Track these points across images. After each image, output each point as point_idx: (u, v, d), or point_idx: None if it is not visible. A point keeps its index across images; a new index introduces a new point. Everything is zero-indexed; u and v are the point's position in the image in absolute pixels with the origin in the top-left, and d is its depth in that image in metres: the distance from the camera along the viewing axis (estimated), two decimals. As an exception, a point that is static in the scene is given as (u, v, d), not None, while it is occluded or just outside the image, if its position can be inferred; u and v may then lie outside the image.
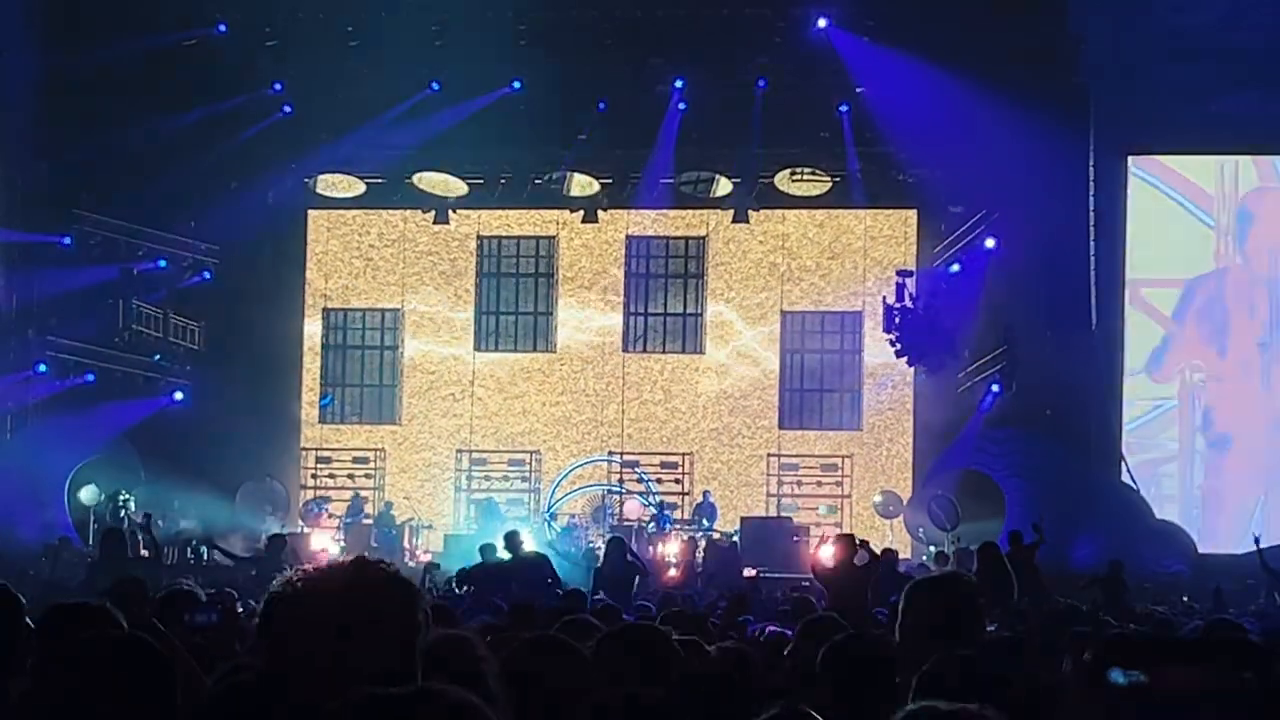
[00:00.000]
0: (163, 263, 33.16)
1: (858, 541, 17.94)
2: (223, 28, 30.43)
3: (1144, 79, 28.50)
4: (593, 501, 34.19)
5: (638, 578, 20.80)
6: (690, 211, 34.68)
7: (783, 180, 33.64)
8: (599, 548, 26.21)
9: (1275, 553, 23.44)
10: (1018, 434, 28.71)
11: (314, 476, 35.86)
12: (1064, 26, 28.79)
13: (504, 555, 21.19)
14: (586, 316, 35.47)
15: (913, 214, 33.61)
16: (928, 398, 33.29)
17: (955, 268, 31.70)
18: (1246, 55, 28.17)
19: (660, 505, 32.85)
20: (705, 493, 33.15)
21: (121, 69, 29.27)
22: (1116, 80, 28.56)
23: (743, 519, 30.99)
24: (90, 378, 31.52)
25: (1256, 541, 22.93)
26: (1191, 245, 31.63)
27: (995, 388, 30.62)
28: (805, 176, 33.63)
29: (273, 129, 32.22)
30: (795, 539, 29.38)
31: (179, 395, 33.13)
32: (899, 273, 32.63)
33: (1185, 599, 22.14)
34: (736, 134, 31.81)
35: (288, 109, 32.16)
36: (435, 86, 31.52)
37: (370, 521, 32.93)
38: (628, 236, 35.10)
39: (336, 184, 34.76)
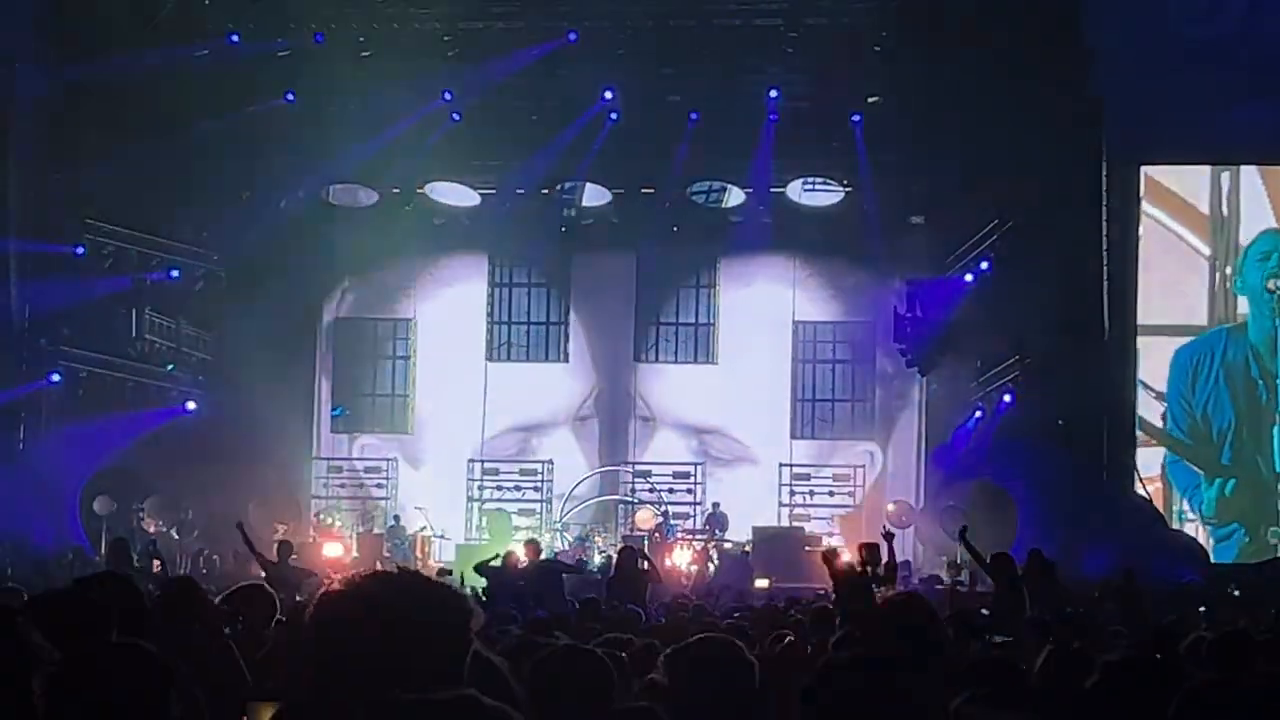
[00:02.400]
0: (175, 273, 33.23)
1: (877, 551, 18.00)
2: (235, 38, 30.49)
3: (1158, 90, 28.49)
4: (603, 510, 34.21)
5: (650, 586, 20.87)
6: (703, 221, 34.67)
7: (795, 190, 33.69)
8: (611, 556, 26.33)
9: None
10: (1030, 444, 28.66)
11: (325, 486, 35.91)
12: (1078, 38, 28.78)
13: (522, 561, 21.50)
14: (598, 325, 35.49)
15: (925, 224, 33.59)
16: (940, 408, 33.32)
17: (968, 277, 31.70)
18: (1261, 65, 28.17)
19: (665, 514, 32.93)
20: (715, 503, 33.16)
21: (134, 79, 29.33)
22: (1130, 91, 28.55)
23: (754, 529, 31.01)
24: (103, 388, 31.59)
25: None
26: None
27: (1007, 398, 30.61)
28: (817, 186, 33.67)
29: (285, 139, 32.28)
30: (807, 549, 29.39)
31: (191, 405, 33.18)
32: (909, 282, 32.67)
33: (1201, 609, 22.09)
34: (748, 144, 31.87)
35: (300, 119, 32.22)
36: (448, 96, 31.57)
37: (382, 532, 32.98)
38: (639, 245, 35.08)
39: (349, 194, 34.83)
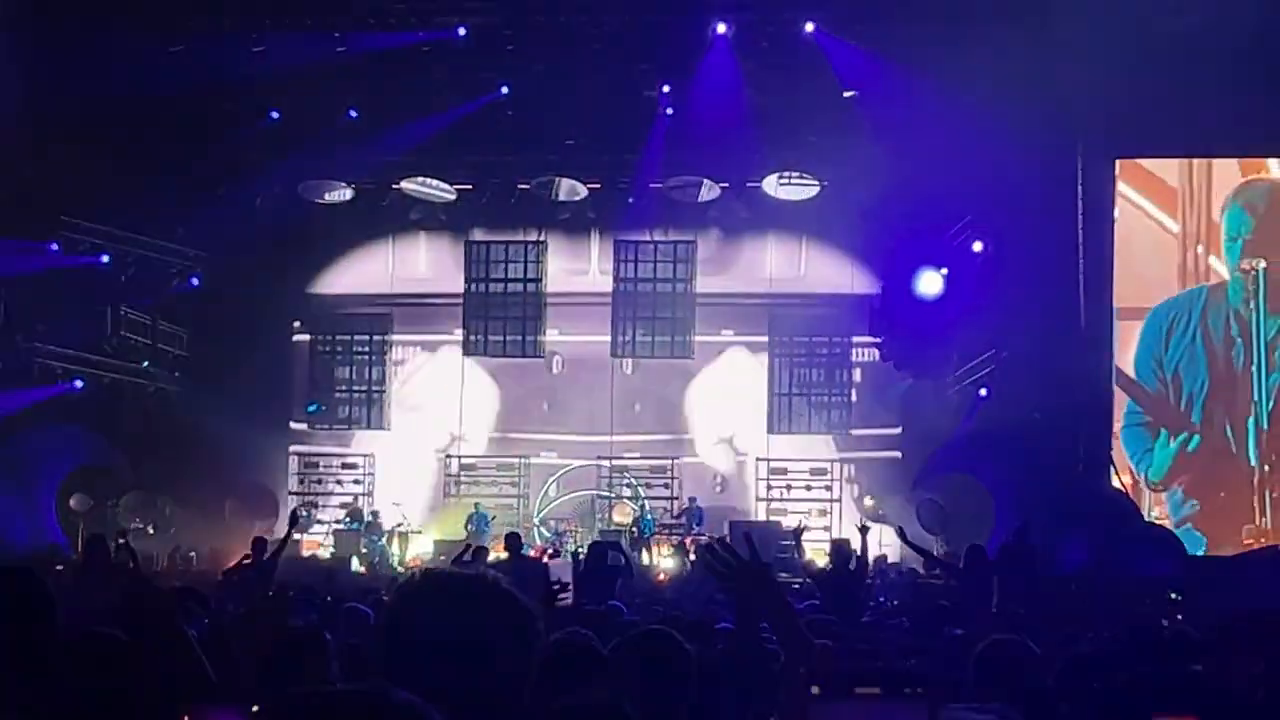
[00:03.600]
0: (151, 269, 33.21)
1: (850, 544, 18.05)
2: (207, 36, 30.39)
3: (1130, 83, 28.50)
4: (582, 507, 34.26)
5: (620, 579, 20.96)
6: (678, 216, 34.72)
7: (770, 184, 33.74)
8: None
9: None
10: (1006, 437, 28.73)
11: (302, 482, 35.94)
12: (1051, 31, 28.82)
13: (501, 556, 21.50)
14: (575, 321, 35.53)
15: (901, 217, 33.62)
16: (916, 401, 33.40)
17: (943, 271, 31.79)
18: (1232, 57, 28.20)
19: (642, 508, 33.00)
20: (691, 498, 33.24)
21: (108, 74, 29.25)
22: (1103, 84, 28.58)
23: (731, 523, 31.00)
24: (78, 384, 31.53)
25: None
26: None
27: (984, 391, 30.72)
28: (793, 181, 33.73)
29: (260, 134, 32.25)
30: (784, 543, 29.42)
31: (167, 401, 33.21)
32: (886, 276, 32.78)
33: (1173, 596, 22.18)
34: (724, 138, 31.89)
35: (275, 114, 32.19)
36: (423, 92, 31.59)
37: (359, 527, 33.02)
38: (616, 241, 35.15)
39: (324, 189, 34.80)
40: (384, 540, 32.15)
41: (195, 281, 34.15)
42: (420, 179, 34.47)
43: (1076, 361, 29.46)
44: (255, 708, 4.68)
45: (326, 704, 2.79)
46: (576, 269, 35.76)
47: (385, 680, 3.12)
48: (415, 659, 3.34)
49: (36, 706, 4.93)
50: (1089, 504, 28.09)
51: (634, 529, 31.62)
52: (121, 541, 18.96)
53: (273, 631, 6.21)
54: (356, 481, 35.74)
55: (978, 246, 31.22)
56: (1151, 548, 26.54)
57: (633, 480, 34.42)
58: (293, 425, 36.33)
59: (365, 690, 2.83)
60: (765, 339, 35.32)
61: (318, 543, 32.99)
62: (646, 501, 33.60)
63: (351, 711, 2.98)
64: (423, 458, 35.77)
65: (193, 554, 29.45)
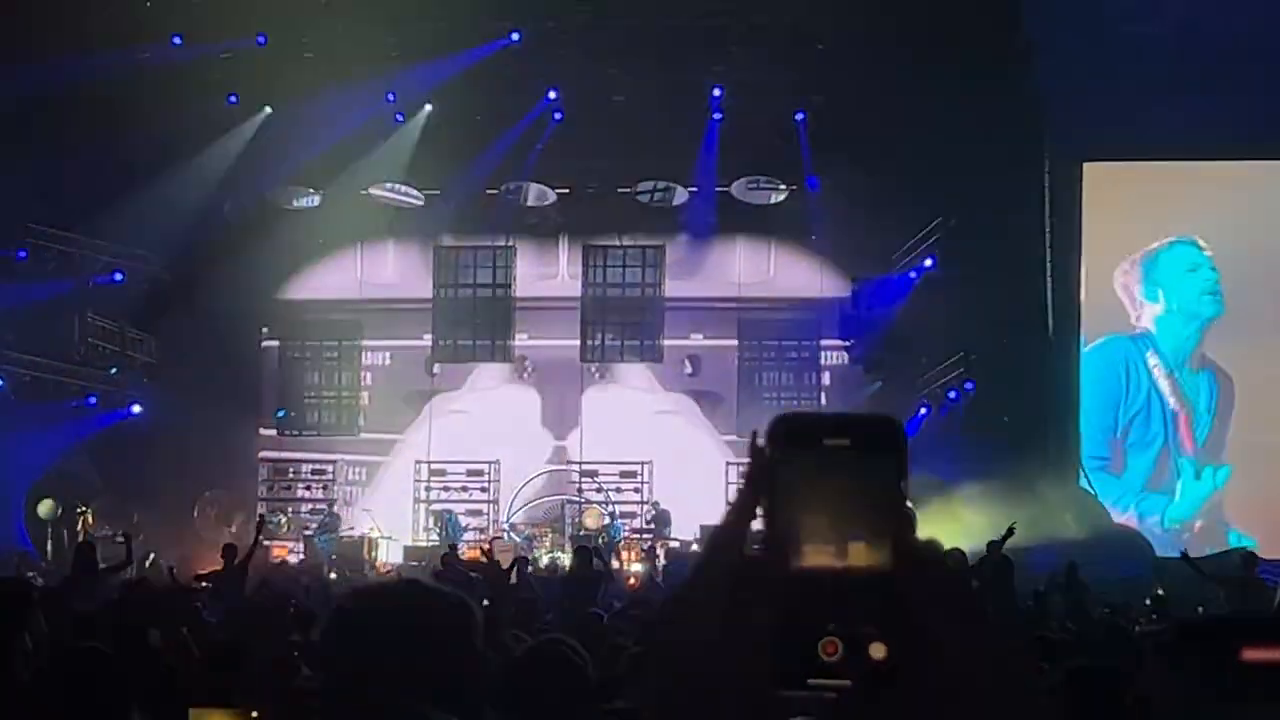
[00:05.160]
0: (119, 276, 33.14)
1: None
2: (177, 40, 30.38)
3: (1097, 87, 28.73)
4: (552, 511, 34.26)
5: (602, 585, 21.01)
6: (648, 220, 34.80)
7: (740, 189, 33.83)
8: (559, 558, 26.40)
9: (1207, 562, 23.66)
10: (976, 440, 28.88)
11: (271, 488, 35.92)
12: (1019, 34, 28.98)
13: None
14: (545, 326, 35.58)
15: (870, 220, 33.70)
16: (886, 405, 33.43)
17: (912, 275, 31.92)
18: (1199, 61, 28.40)
19: (612, 514, 33.07)
20: (655, 502, 33.28)
21: (74, 81, 29.21)
22: (1071, 88, 28.79)
23: (701, 527, 31.00)
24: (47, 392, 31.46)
25: (1184, 554, 23.04)
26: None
27: (952, 395, 30.84)
28: (762, 185, 33.82)
29: (228, 140, 32.28)
30: (754, 546, 29.44)
31: (136, 408, 33.14)
32: (855, 280, 32.90)
33: (1147, 602, 22.33)
34: (693, 143, 32.00)
35: (243, 121, 32.22)
36: (391, 97, 31.64)
37: (330, 534, 32.98)
38: (585, 245, 35.21)
39: (291, 195, 34.81)
40: (334, 541, 32.04)
41: (163, 288, 34.05)
42: (389, 184, 34.48)
43: (1044, 364, 29.64)
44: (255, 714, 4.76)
45: (379, 594, 3.10)
46: (545, 274, 35.79)
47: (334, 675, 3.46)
48: (360, 653, 3.41)
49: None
50: (1057, 505, 28.24)
51: (604, 535, 31.64)
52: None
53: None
54: (324, 487, 35.70)
55: (947, 250, 31.34)
56: (1120, 548, 26.75)
57: (601, 485, 34.42)
58: (262, 431, 36.29)
59: (414, 582, 3.18)
60: (734, 343, 35.36)
61: (286, 549, 32.92)
62: (616, 507, 33.62)
63: (405, 599, 3.40)
64: (392, 462, 35.81)
65: (162, 561, 29.36)
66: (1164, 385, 31.03)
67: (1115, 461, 31.14)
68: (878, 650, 1.63)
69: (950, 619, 1.67)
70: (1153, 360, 31.03)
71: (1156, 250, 31.21)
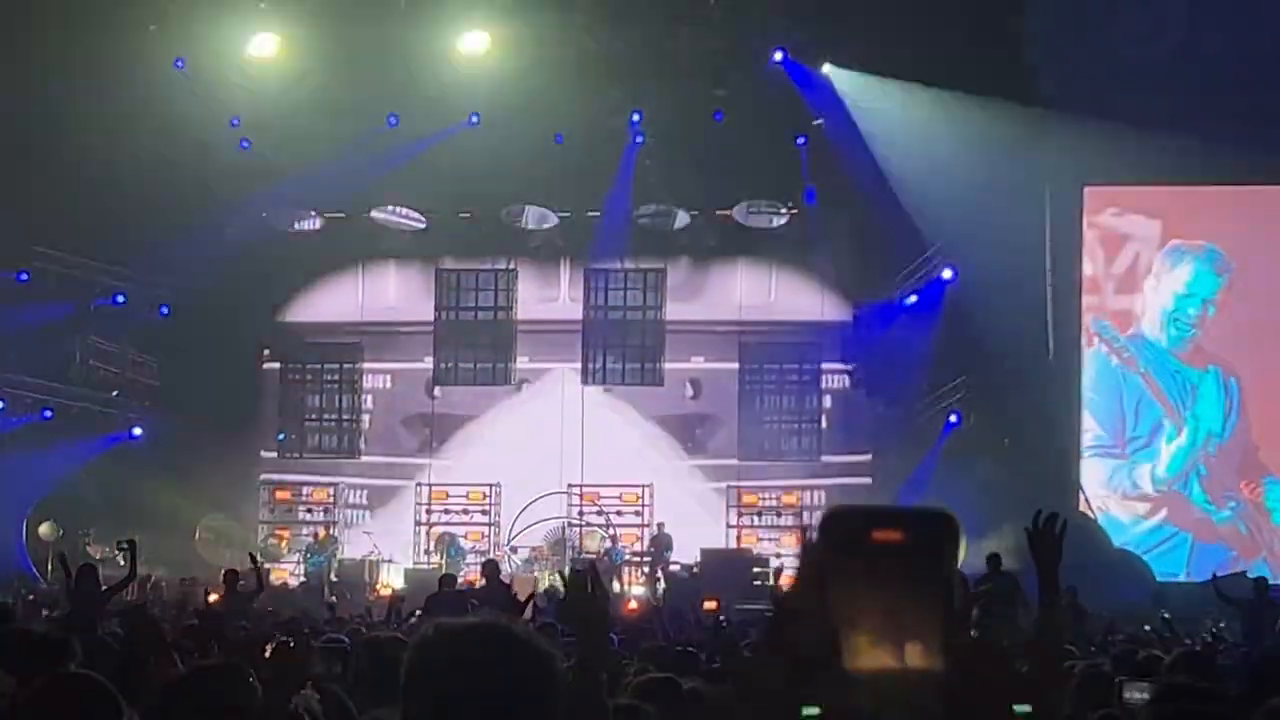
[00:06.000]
0: (121, 298, 33.30)
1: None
2: (180, 64, 30.48)
3: (1099, 111, 28.79)
4: (552, 535, 34.30)
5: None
6: (649, 244, 34.93)
7: (741, 212, 33.98)
8: (558, 582, 26.26)
9: (1229, 581, 23.69)
10: (975, 463, 28.92)
11: (272, 511, 36.01)
12: (1020, 58, 29.10)
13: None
14: (546, 349, 35.69)
15: (871, 243, 33.80)
16: (886, 428, 33.56)
17: (913, 298, 32.01)
18: (1199, 87, 28.51)
19: (613, 537, 33.15)
20: (659, 524, 33.29)
21: (77, 104, 29.33)
22: (1072, 112, 28.87)
23: (702, 550, 31.11)
24: (47, 414, 31.57)
25: (1214, 576, 23.25)
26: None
27: (954, 418, 30.93)
28: (763, 209, 33.96)
29: (230, 164, 32.38)
30: (755, 569, 29.54)
31: (138, 431, 33.32)
32: (857, 304, 33.01)
33: (1147, 628, 22.30)
34: (694, 166, 32.12)
35: (245, 144, 32.34)
36: (393, 121, 31.76)
37: (324, 557, 33.01)
38: (586, 269, 35.31)
39: (293, 218, 34.96)
40: (325, 560, 32.07)
41: (165, 311, 34.20)
42: (390, 207, 34.63)
43: (1044, 388, 29.69)
44: None
45: (457, 634, 3.02)
46: (547, 296, 35.94)
47: None
48: (439, 709, 3.32)
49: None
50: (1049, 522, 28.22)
51: (605, 558, 31.65)
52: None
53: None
54: (326, 510, 35.81)
55: (947, 274, 31.40)
56: (1122, 574, 26.75)
57: (602, 508, 34.45)
58: (263, 454, 36.40)
59: (491, 623, 3.06)
60: (735, 366, 35.44)
61: (287, 572, 32.96)
62: (616, 530, 33.67)
63: (483, 640, 3.31)
64: (393, 485, 35.95)
65: (164, 583, 29.39)
66: (1162, 390, 31.10)
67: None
68: None
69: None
70: (1152, 367, 31.13)
71: (1157, 261, 31.30)
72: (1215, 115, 28.25)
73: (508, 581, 22.76)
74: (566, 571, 21.35)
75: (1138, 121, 28.41)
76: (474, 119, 31.83)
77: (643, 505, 34.47)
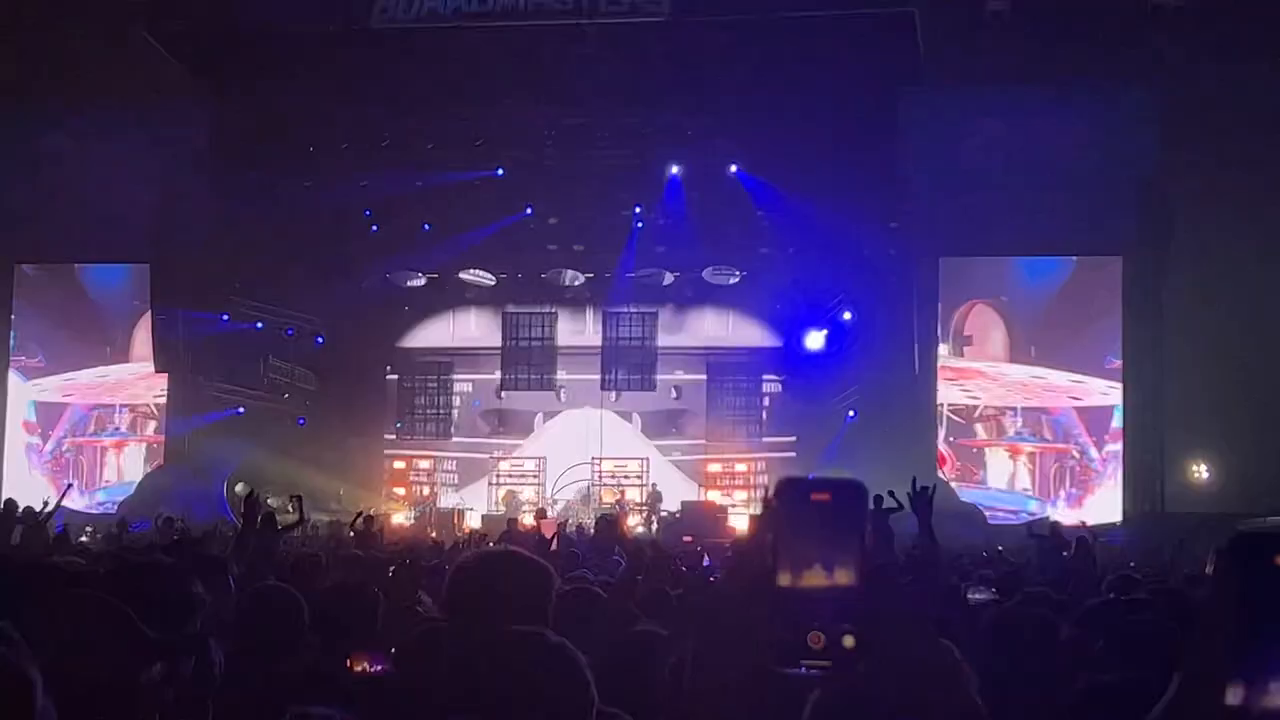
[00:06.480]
0: (290, 331, 33.67)
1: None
2: (329, 175, 30.33)
3: (951, 205, 28.41)
4: (581, 492, 34.58)
5: (616, 545, 20.94)
6: (646, 295, 35.18)
7: (708, 273, 34.26)
8: (586, 522, 26.36)
9: (1038, 524, 23.46)
10: (864, 444, 28.81)
11: (391, 477, 36.35)
12: (894, 166, 28.67)
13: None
14: (577, 366, 35.94)
15: (795, 295, 33.82)
16: (806, 421, 33.69)
17: (825, 331, 32.26)
18: (1022, 186, 27.98)
19: (623, 493, 33.35)
20: (653, 484, 33.48)
21: (265, 200, 29.51)
22: (930, 205, 28.54)
23: (683, 502, 31.26)
24: (240, 410, 32.00)
25: (1029, 521, 23.04)
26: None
27: (851, 413, 31.22)
28: (722, 271, 34.20)
29: (362, 237, 32.83)
30: (718, 515, 29.54)
31: (301, 422, 33.68)
32: (785, 336, 33.22)
33: (985, 554, 22.17)
34: (675, 241, 32.34)
35: (375, 228, 32.72)
36: (529, 211, 32.14)
37: (426, 507, 33.31)
38: (604, 311, 35.69)
39: (407, 277, 35.29)
40: (427, 509, 32.75)
41: (320, 340, 34.56)
42: (472, 270, 35.03)
43: (912, 394, 29.62)
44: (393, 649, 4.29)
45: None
46: (576, 330, 36.12)
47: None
48: (467, 595, 3.29)
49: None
50: (918, 488, 28.18)
51: (616, 506, 31.87)
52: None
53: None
54: (429, 475, 36.12)
55: (847, 315, 31.66)
56: (962, 520, 26.54)
57: (616, 474, 34.68)
58: (385, 438, 36.74)
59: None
60: (704, 377, 35.72)
61: (403, 518, 33.22)
62: (624, 488, 33.91)
63: (496, 558, 3.30)
64: (476, 460, 36.19)
65: (315, 526, 29.60)
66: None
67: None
68: (848, 641, 1.68)
69: (891, 620, 1.83)
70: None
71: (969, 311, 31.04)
72: (1033, 207, 27.80)
73: (551, 523, 22.83)
74: (592, 518, 21.18)
75: (981, 213, 28.23)
76: (529, 210, 32.28)
77: (642, 472, 34.77)
